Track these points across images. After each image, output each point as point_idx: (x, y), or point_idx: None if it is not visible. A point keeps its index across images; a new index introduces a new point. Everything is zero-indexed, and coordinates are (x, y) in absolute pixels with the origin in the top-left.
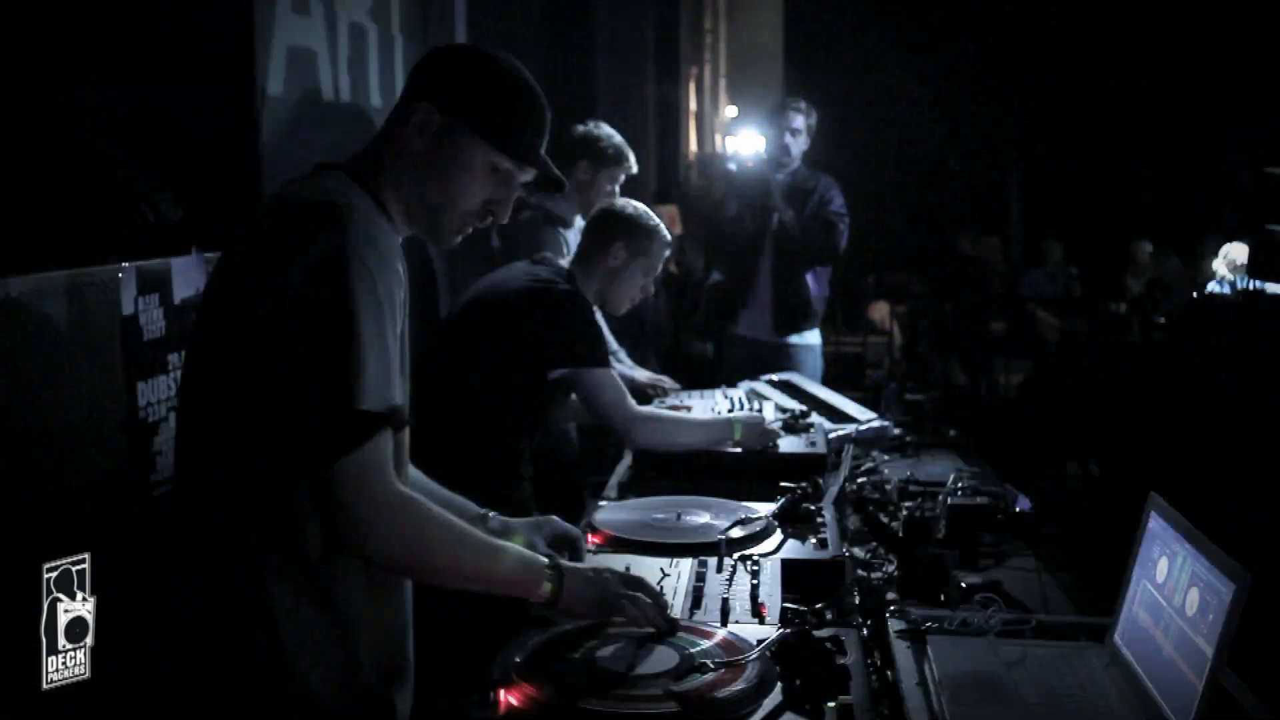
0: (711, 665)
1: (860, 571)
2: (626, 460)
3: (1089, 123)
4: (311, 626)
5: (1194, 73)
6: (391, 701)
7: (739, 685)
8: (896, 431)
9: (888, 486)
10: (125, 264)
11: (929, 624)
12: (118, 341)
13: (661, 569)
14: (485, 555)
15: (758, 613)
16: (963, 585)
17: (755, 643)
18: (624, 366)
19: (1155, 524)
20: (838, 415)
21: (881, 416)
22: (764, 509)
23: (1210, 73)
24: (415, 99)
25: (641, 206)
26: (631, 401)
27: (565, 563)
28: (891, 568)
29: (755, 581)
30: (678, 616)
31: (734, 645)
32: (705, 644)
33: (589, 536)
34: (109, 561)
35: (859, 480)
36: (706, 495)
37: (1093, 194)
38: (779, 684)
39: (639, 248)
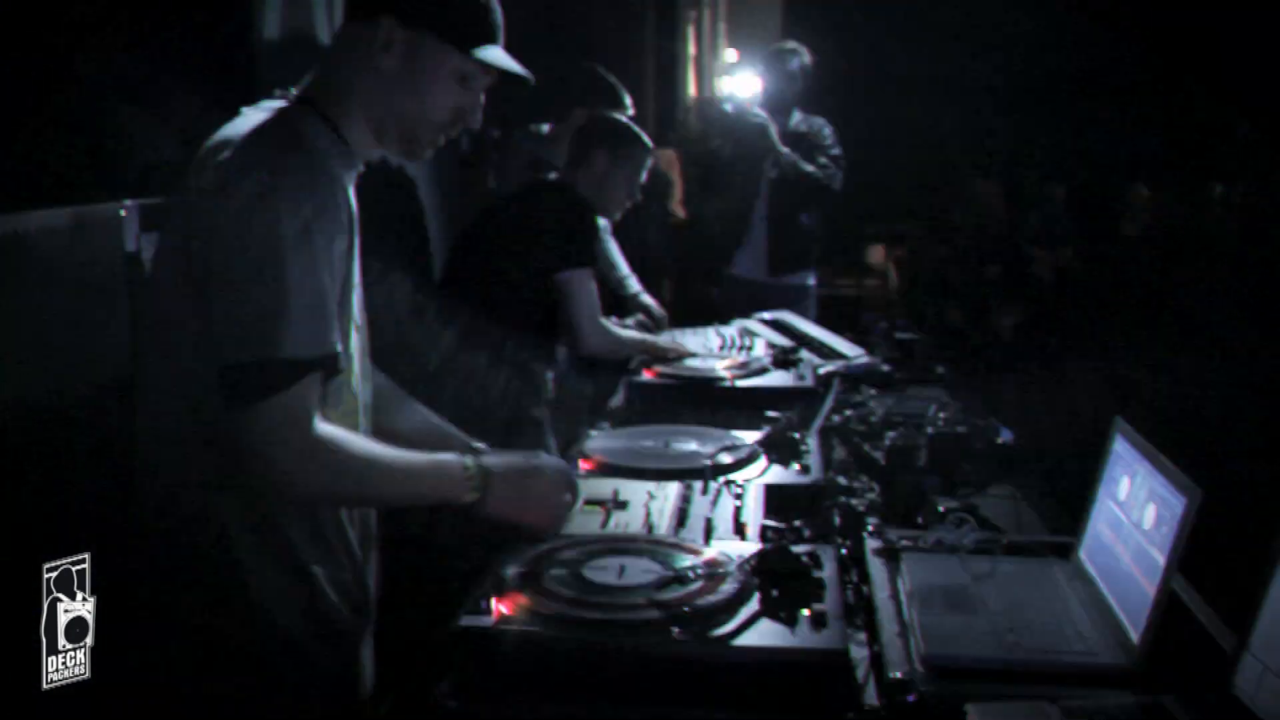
0: (693, 576)
1: (841, 497)
2: (620, 395)
3: (1092, 62)
4: (273, 565)
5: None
6: (359, 630)
7: (718, 595)
8: (885, 368)
9: (873, 419)
10: (128, 201)
11: (903, 542)
12: (121, 278)
13: (649, 492)
14: (407, 482)
15: (740, 531)
16: (940, 509)
17: (736, 558)
18: (640, 294)
19: (1120, 446)
20: (828, 352)
21: (870, 353)
22: (750, 437)
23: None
24: (373, 14)
25: (624, 118)
26: (598, 313)
27: (492, 463)
28: (873, 495)
29: (738, 503)
30: (664, 536)
31: (715, 560)
32: (688, 559)
33: (580, 463)
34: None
35: (845, 413)
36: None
37: (1092, 137)
38: (757, 594)
39: (622, 154)
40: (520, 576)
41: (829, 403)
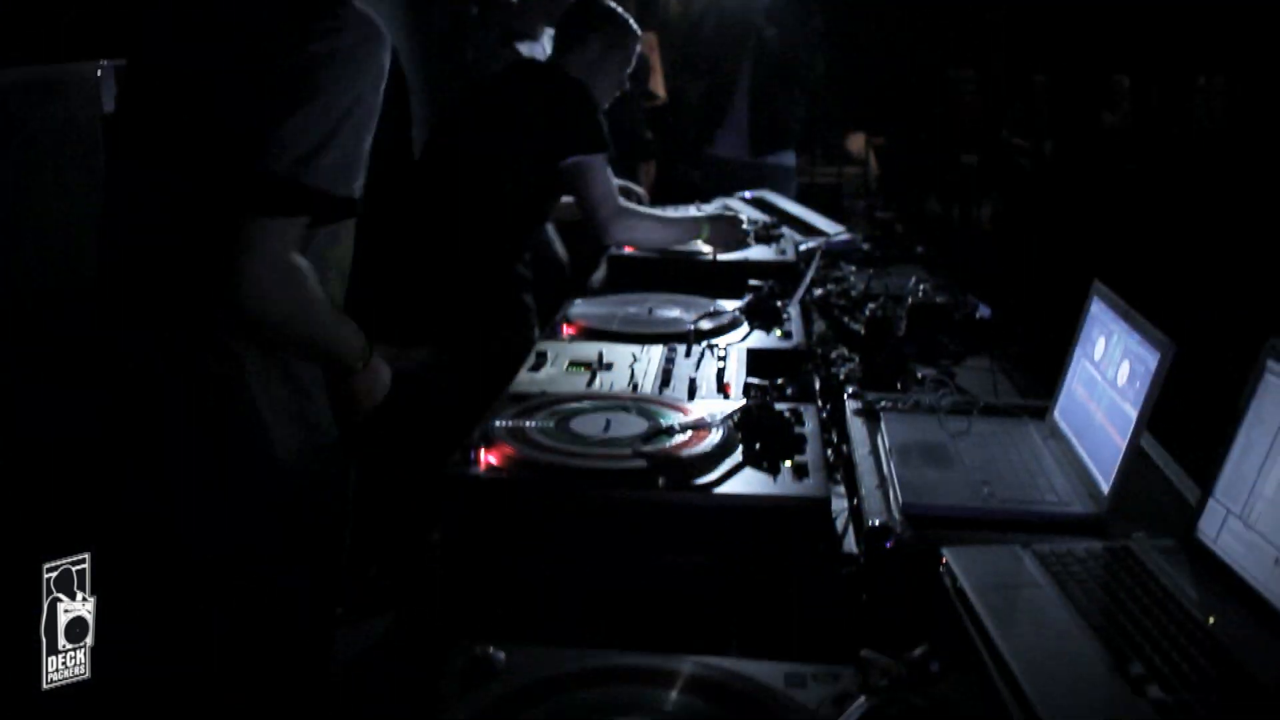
0: (678, 428)
1: (821, 363)
2: (602, 270)
3: None
4: (277, 387)
5: None
6: (346, 462)
7: (702, 447)
8: (865, 246)
9: (853, 293)
10: (104, 61)
11: (883, 403)
12: (98, 138)
13: (633, 354)
14: (339, 330)
15: (723, 391)
16: (919, 376)
17: (720, 414)
18: None
19: (1096, 307)
20: (808, 229)
21: (850, 230)
22: (732, 305)
23: None
24: None
25: (613, 2)
26: (619, 197)
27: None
28: (852, 365)
29: (721, 365)
30: (649, 394)
31: (699, 415)
32: (673, 415)
33: (564, 328)
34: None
35: (826, 287)
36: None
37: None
38: (740, 447)
39: (614, 40)
40: (508, 429)
41: (809, 275)
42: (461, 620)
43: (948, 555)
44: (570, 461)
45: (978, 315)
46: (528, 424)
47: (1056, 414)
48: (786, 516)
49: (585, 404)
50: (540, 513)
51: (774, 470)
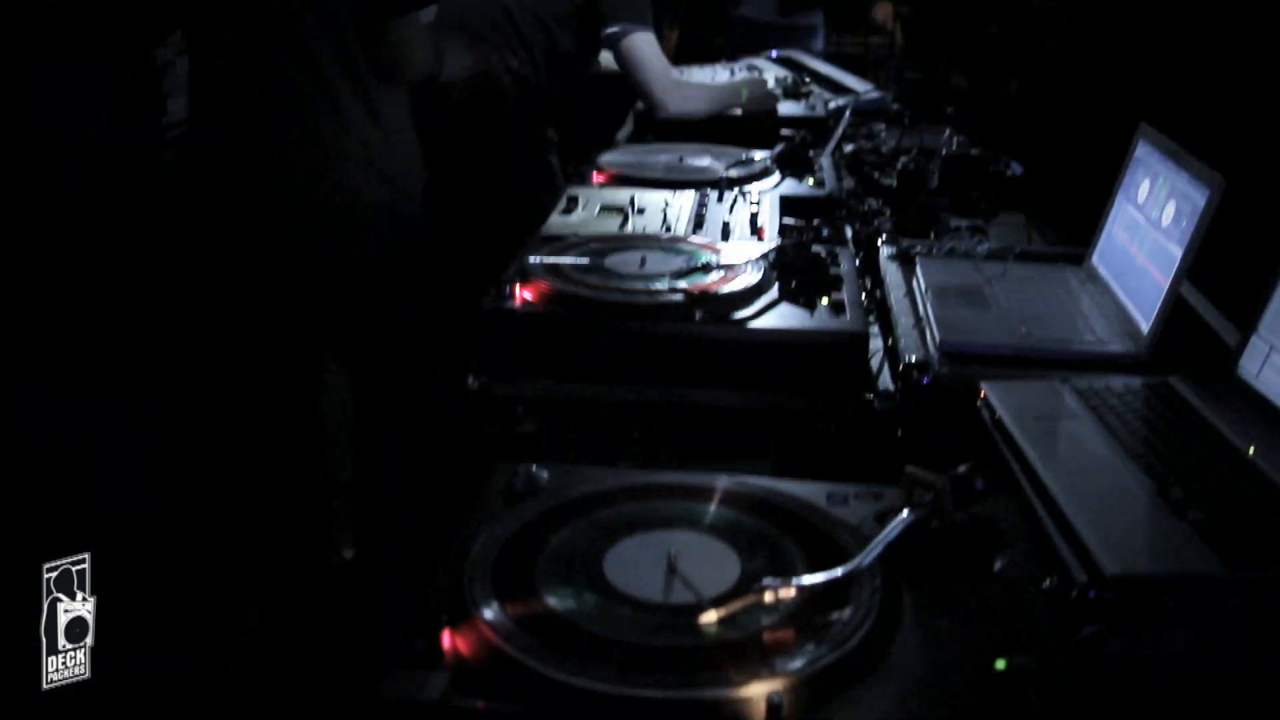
0: (714, 265)
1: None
2: (629, 125)
3: None
4: (366, 134)
5: None
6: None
7: (738, 283)
8: (894, 106)
9: (884, 149)
10: None
11: (918, 249)
12: None
13: (665, 199)
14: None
15: (757, 234)
16: (952, 226)
17: (755, 253)
18: None
19: (1141, 150)
20: (837, 88)
21: (880, 88)
22: (763, 154)
23: None
24: None
25: None
26: (672, 70)
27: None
28: (884, 217)
29: (755, 210)
30: (681, 235)
31: (735, 254)
32: (707, 254)
33: (593, 175)
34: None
35: (856, 143)
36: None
37: None
38: (776, 285)
39: None
40: (543, 265)
41: (841, 129)
42: (499, 450)
43: (986, 388)
44: (606, 295)
45: (1009, 173)
46: (563, 260)
47: (1095, 259)
48: (824, 351)
49: (619, 243)
50: (576, 347)
51: (810, 307)
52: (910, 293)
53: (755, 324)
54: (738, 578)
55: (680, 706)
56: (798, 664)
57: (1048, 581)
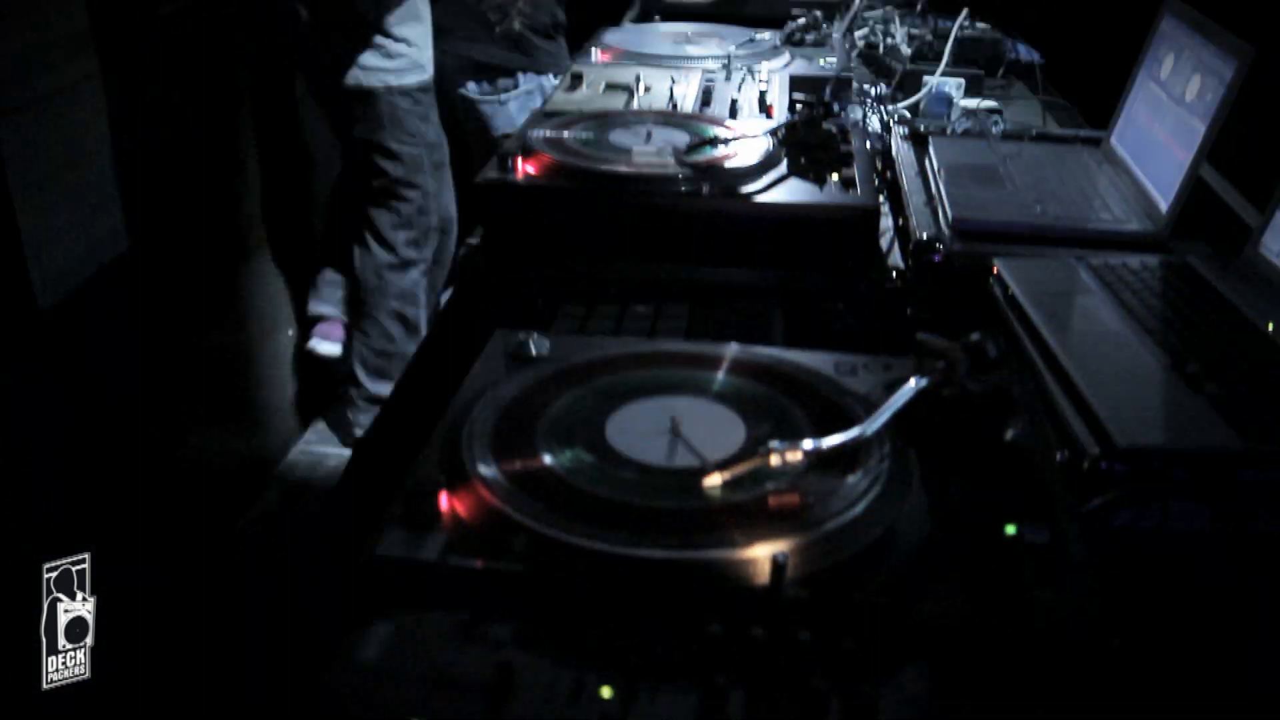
0: (722, 140)
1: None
2: (635, 9)
3: None
4: None
5: None
6: None
7: (747, 158)
8: None
9: (893, 38)
10: None
11: (931, 129)
12: None
13: (671, 77)
14: None
15: (766, 112)
16: (965, 106)
17: (764, 130)
18: None
19: (1166, 25)
20: None
21: None
22: (773, 34)
23: None
24: None
25: None
26: None
27: None
28: (897, 100)
29: (764, 88)
30: (690, 110)
31: (744, 130)
32: (715, 130)
33: (598, 53)
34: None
35: (867, 27)
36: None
37: None
38: (785, 160)
39: None
40: (545, 139)
41: (854, 10)
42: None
43: (999, 265)
44: (610, 168)
45: (1025, 60)
46: (566, 134)
47: (1114, 139)
48: (833, 226)
49: (624, 119)
50: (578, 222)
51: (820, 182)
52: (923, 172)
53: (763, 198)
54: (743, 443)
55: (683, 567)
56: (804, 526)
57: (1060, 454)
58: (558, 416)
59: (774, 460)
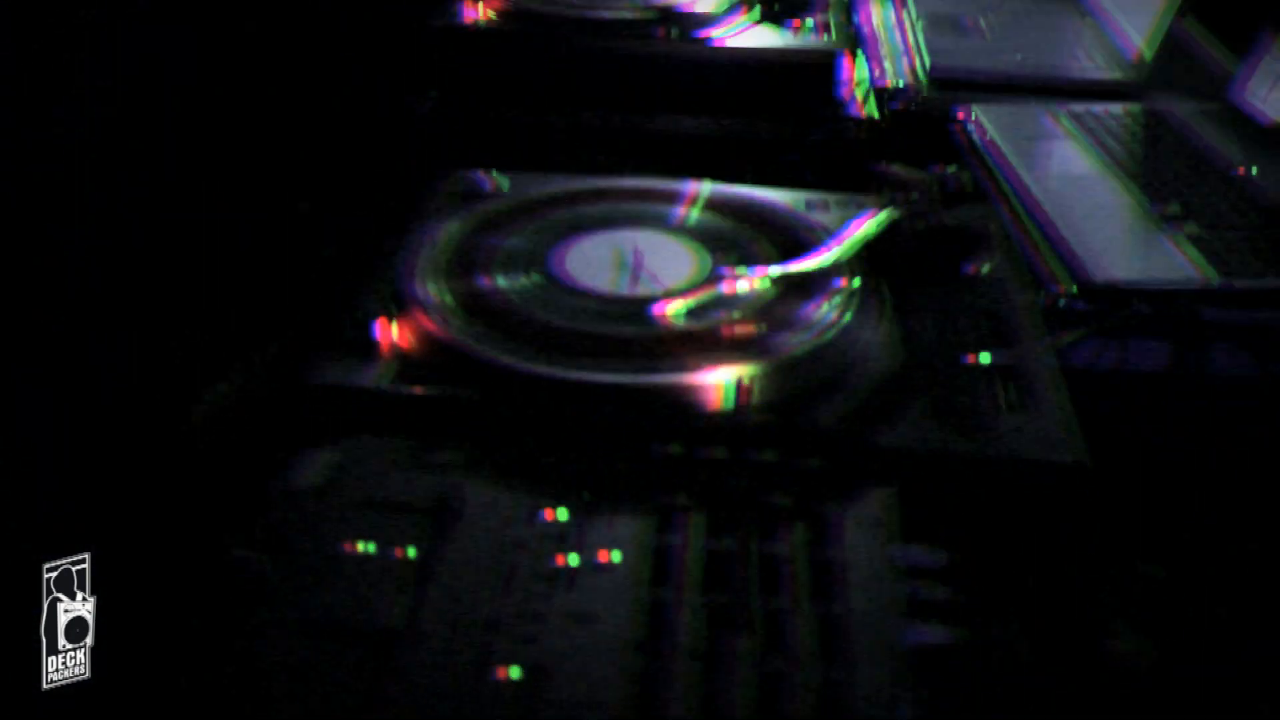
0: None
1: None
2: None
3: None
4: None
5: None
6: None
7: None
8: None
9: None
10: None
11: None
12: None
13: None
14: None
15: None
16: None
17: None
18: None
19: None
20: None
21: None
22: None
23: None
24: None
25: None
26: None
27: None
28: None
29: None
30: None
31: None
32: None
33: None
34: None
35: None
36: None
37: None
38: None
39: None
40: None
41: None
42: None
43: (976, 110)
44: (567, 11)
45: None
46: None
47: None
48: (797, 70)
49: None
50: (533, 67)
51: (783, 26)
52: (899, 23)
53: (728, 43)
54: (708, 275)
55: (642, 392)
56: (767, 353)
57: (1037, 296)
58: (512, 248)
59: (737, 287)
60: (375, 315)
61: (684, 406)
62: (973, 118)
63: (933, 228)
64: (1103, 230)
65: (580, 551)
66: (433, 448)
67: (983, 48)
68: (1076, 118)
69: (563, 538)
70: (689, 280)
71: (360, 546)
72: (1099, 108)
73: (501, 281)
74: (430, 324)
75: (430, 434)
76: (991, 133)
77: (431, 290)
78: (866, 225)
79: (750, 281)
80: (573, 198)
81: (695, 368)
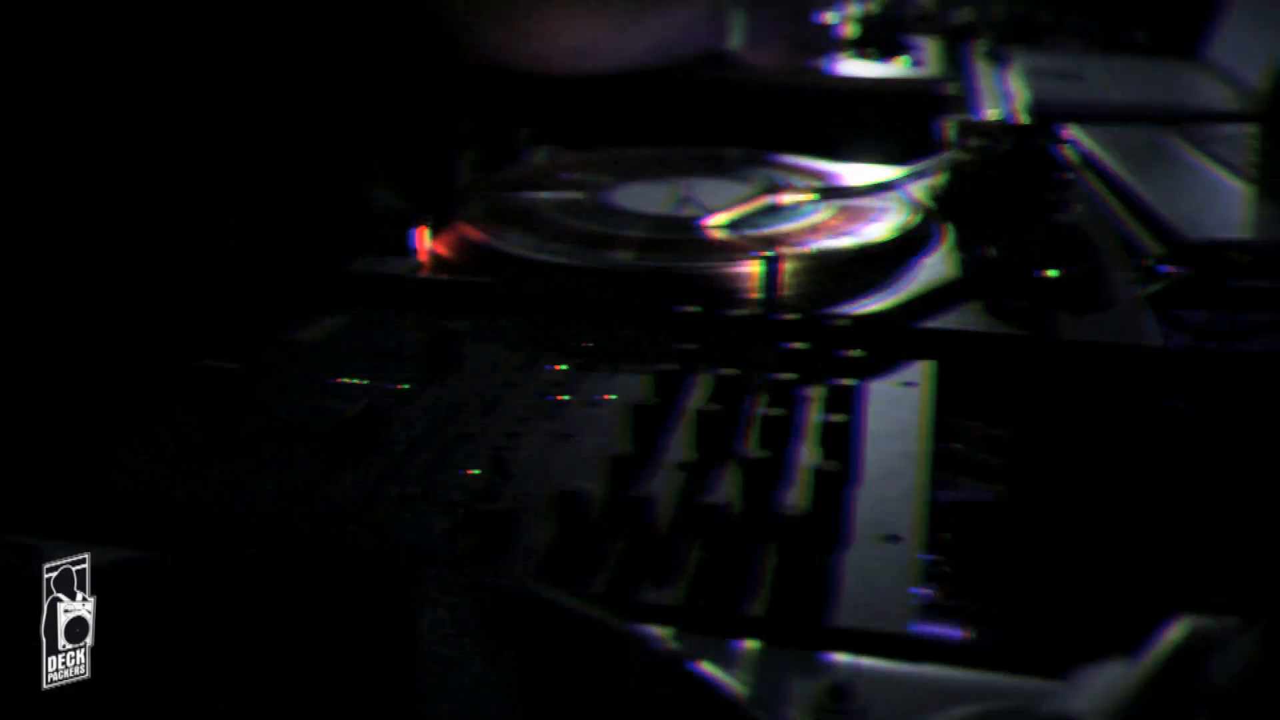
0: None
1: None
2: None
3: None
4: None
5: None
6: None
7: None
8: None
9: None
10: None
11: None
12: None
13: None
14: None
15: None
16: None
17: None
18: None
19: None
20: None
21: None
22: None
23: None
24: None
25: None
26: None
27: None
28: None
29: None
30: None
31: None
32: None
33: None
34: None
35: None
36: None
37: None
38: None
39: None
40: None
41: None
42: None
43: (1073, 129)
44: None
45: None
46: None
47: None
48: (896, 100)
49: None
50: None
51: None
52: (1004, 75)
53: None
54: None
55: (673, 275)
56: (807, 253)
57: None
58: (561, 184)
59: (788, 199)
60: (408, 222)
61: (715, 291)
62: (1075, 136)
63: (1008, 177)
64: (1197, 203)
65: (573, 395)
66: (444, 317)
67: (1088, 88)
68: (1187, 135)
69: (558, 384)
70: (738, 201)
71: (348, 379)
72: (1214, 129)
73: (546, 196)
74: (462, 233)
75: (448, 312)
76: (1092, 145)
77: (466, 203)
78: (933, 160)
79: (800, 196)
80: (631, 158)
81: (730, 258)
